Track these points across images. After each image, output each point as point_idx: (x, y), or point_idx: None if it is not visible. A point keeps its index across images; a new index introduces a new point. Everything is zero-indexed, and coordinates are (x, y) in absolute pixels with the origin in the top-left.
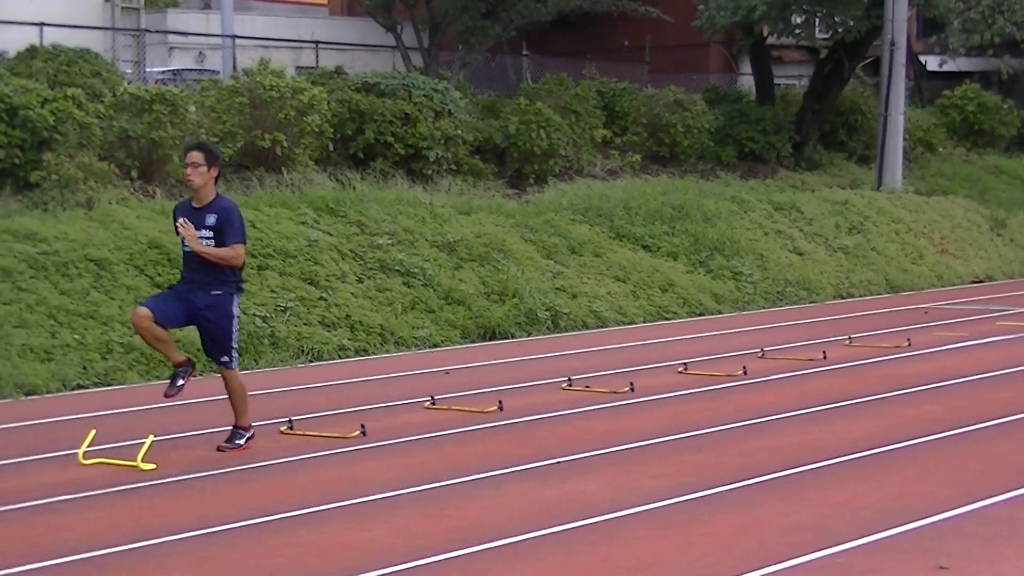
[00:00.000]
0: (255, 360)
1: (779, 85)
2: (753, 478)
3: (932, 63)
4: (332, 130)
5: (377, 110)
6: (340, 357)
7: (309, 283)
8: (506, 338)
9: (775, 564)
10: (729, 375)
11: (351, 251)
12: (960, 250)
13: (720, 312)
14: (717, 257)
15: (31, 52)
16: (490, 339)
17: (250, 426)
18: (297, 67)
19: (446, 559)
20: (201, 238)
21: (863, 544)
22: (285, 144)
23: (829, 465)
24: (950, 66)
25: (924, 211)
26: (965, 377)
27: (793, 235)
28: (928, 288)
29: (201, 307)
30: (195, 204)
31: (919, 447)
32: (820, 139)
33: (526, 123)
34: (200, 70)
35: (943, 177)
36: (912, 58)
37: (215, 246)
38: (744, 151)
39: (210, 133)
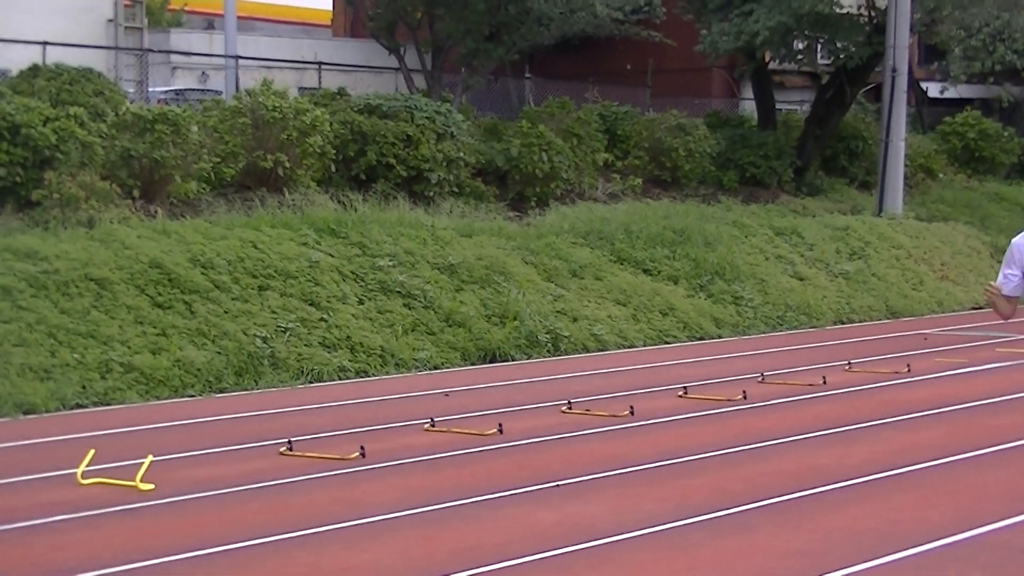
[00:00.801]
0: (255, 381)
1: (781, 110)
2: (753, 503)
3: (933, 90)
4: (334, 151)
5: (379, 132)
6: (340, 378)
7: (310, 304)
8: (506, 360)
9: None
10: (729, 399)
11: (352, 272)
12: (960, 276)
13: (720, 336)
14: (718, 281)
15: (34, 71)
16: (490, 361)
17: None
18: (300, 88)
19: None
20: None
21: (862, 570)
22: (287, 165)
23: (829, 490)
24: (951, 93)
25: (925, 237)
26: (964, 403)
27: (794, 260)
28: (928, 314)
29: None
30: None
31: (918, 473)
32: (821, 164)
33: (528, 146)
34: (203, 90)
35: (944, 203)
36: (913, 84)
37: None
38: (745, 176)
39: (212, 153)
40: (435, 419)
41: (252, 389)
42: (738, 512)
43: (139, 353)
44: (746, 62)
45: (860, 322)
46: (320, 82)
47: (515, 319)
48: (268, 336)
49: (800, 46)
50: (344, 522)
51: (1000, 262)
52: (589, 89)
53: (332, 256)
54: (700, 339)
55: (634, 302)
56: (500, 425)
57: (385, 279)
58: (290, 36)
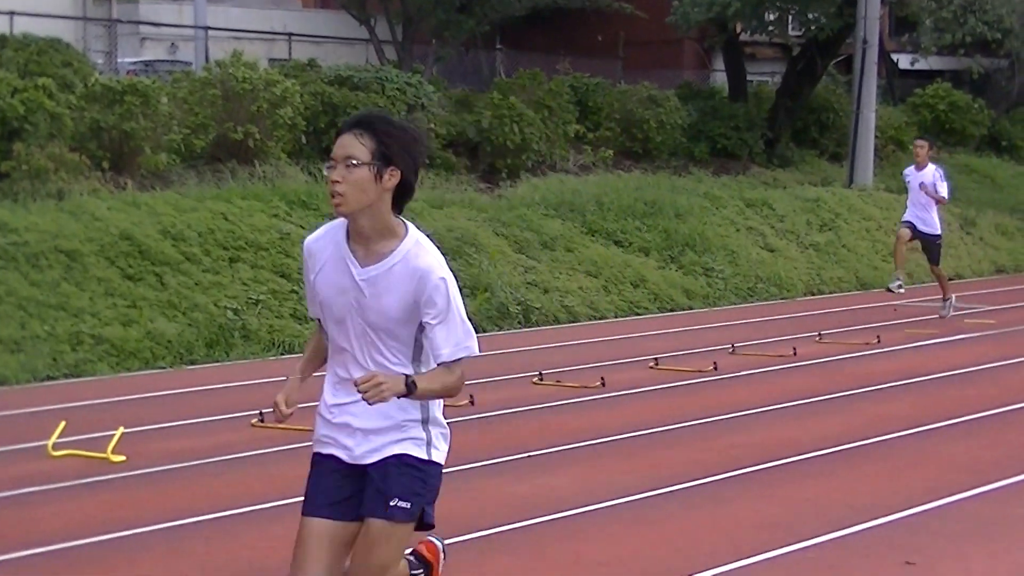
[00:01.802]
0: (226, 353)
1: (752, 82)
2: (723, 474)
3: (904, 61)
4: (305, 123)
5: (350, 103)
6: None
7: (281, 276)
8: (477, 332)
9: (745, 559)
10: (700, 371)
11: None
12: None
13: (691, 308)
14: (689, 253)
15: (1, 41)
16: None
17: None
18: (270, 59)
19: None
20: None
21: (832, 540)
22: (258, 137)
23: (799, 461)
24: (922, 65)
25: (895, 209)
26: (934, 374)
27: (765, 232)
28: None
29: None
30: None
31: (888, 444)
32: (792, 136)
33: (499, 118)
34: (172, 61)
35: None
36: (884, 56)
37: None
38: (717, 148)
39: (182, 125)
40: None
41: (223, 361)
42: (709, 483)
43: (110, 325)
44: (717, 34)
45: (830, 294)
46: (290, 53)
47: (486, 291)
48: (239, 308)
49: (771, 17)
50: None
51: (969, 234)
52: (560, 61)
53: (303, 228)
54: (671, 311)
55: (605, 274)
56: (472, 397)
57: None
58: (260, 7)
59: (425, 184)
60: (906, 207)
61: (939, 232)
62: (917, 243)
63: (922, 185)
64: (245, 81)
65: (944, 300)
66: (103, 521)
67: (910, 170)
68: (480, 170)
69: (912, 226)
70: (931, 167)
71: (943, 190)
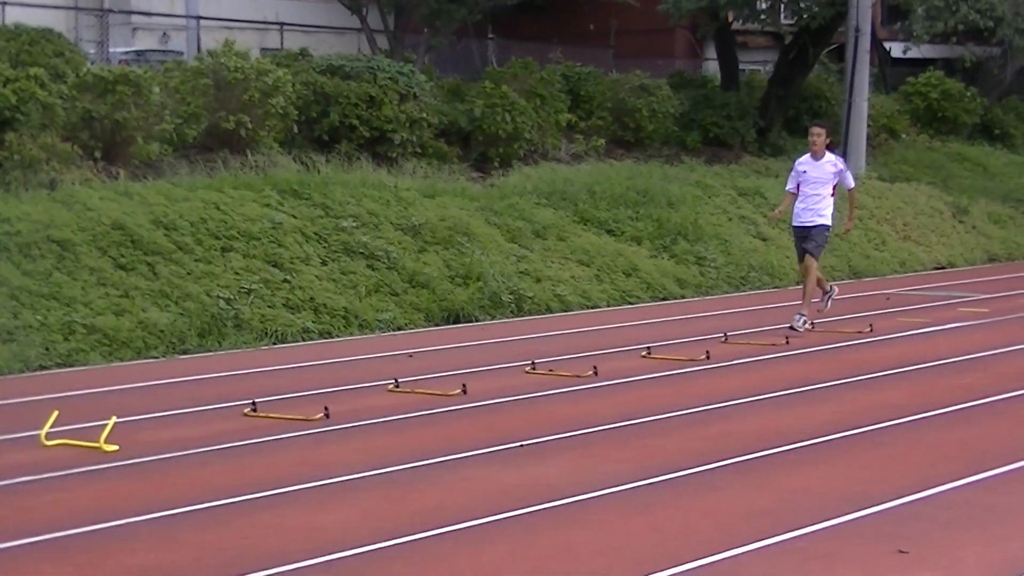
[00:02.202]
0: (218, 342)
1: (744, 71)
2: (716, 462)
3: (896, 50)
4: (297, 112)
5: (342, 93)
6: (304, 340)
7: (273, 265)
8: (470, 321)
9: (737, 548)
10: (692, 360)
11: (315, 234)
12: (923, 236)
13: (684, 297)
14: (681, 242)
15: None
16: (454, 322)
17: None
18: (262, 49)
19: (409, 542)
20: None
21: (824, 528)
22: (249, 126)
23: (791, 450)
24: (914, 53)
25: (887, 197)
26: (927, 363)
27: (757, 220)
28: (890, 274)
29: None
30: None
31: (881, 432)
32: (784, 125)
33: (491, 107)
34: (164, 51)
35: (906, 164)
36: (876, 45)
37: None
38: (708, 136)
39: (174, 114)
40: (399, 380)
41: (215, 351)
42: (702, 472)
43: (102, 315)
44: (709, 22)
45: None
46: (282, 43)
47: (478, 280)
48: (231, 297)
49: (763, 6)
50: (308, 483)
51: (962, 222)
52: (552, 50)
53: (295, 217)
54: (663, 300)
55: (597, 263)
56: (464, 386)
57: (348, 240)
58: None
59: (417, 173)
60: (796, 203)
61: (829, 223)
62: (911, 232)
63: (802, 175)
64: (237, 71)
65: (824, 293)
66: (96, 510)
67: (805, 160)
68: (472, 159)
69: (805, 232)
70: (829, 156)
71: (850, 180)
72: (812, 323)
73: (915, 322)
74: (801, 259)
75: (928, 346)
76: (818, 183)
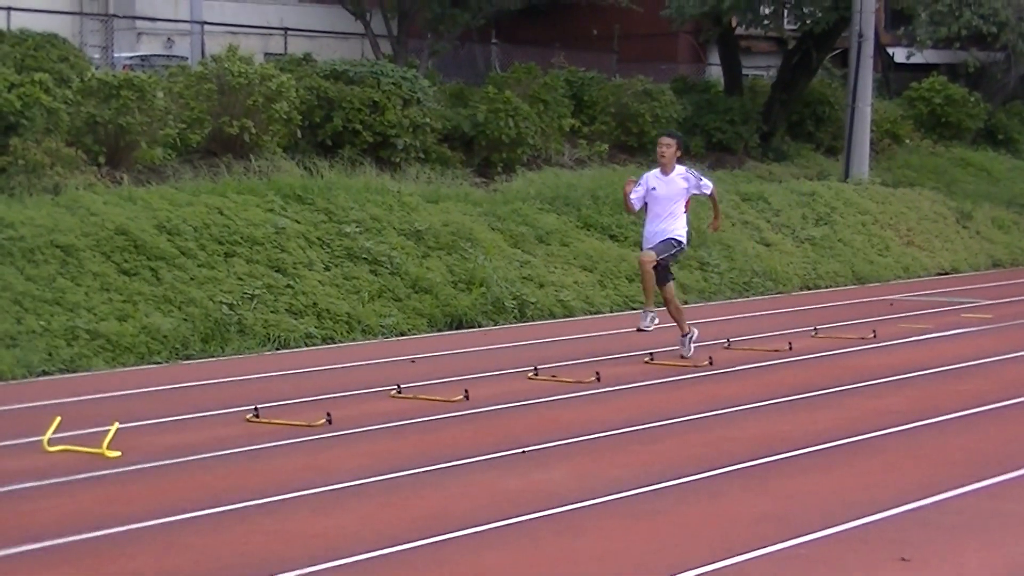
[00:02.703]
0: (221, 347)
1: (747, 75)
2: (718, 468)
3: (900, 55)
4: (300, 117)
5: (345, 98)
6: (307, 345)
7: (276, 271)
8: (473, 327)
9: (740, 554)
10: (695, 365)
11: (318, 239)
12: (926, 242)
13: (686, 302)
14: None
15: None
16: (457, 328)
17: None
18: (266, 54)
19: (411, 548)
20: None
21: (827, 535)
22: (253, 131)
23: (794, 456)
24: (917, 58)
25: (891, 203)
26: (930, 369)
27: (760, 226)
28: (894, 280)
29: None
30: None
31: (883, 438)
32: (788, 130)
33: (494, 112)
34: (168, 56)
35: (910, 169)
36: (880, 50)
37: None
38: (712, 141)
39: (178, 119)
40: (401, 386)
41: (218, 356)
42: (704, 478)
43: (105, 320)
44: (712, 27)
45: (826, 288)
46: (286, 48)
47: (481, 285)
48: (234, 303)
49: (767, 11)
50: (310, 489)
51: (965, 227)
52: (555, 55)
53: (298, 222)
54: None
55: (600, 268)
56: (466, 391)
57: (351, 245)
58: (256, 1)
59: (420, 178)
60: (645, 224)
61: (683, 237)
62: (915, 237)
63: (651, 192)
64: (241, 75)
65: (683, 335)
66: (98, 516)
67: (655, 173)
68: (475, 164)
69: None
70: (680, 169)
71: (709, 185)
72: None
73: (918, 328)
74: (659, 284)
75: (931, 352)
76: (668, 200)
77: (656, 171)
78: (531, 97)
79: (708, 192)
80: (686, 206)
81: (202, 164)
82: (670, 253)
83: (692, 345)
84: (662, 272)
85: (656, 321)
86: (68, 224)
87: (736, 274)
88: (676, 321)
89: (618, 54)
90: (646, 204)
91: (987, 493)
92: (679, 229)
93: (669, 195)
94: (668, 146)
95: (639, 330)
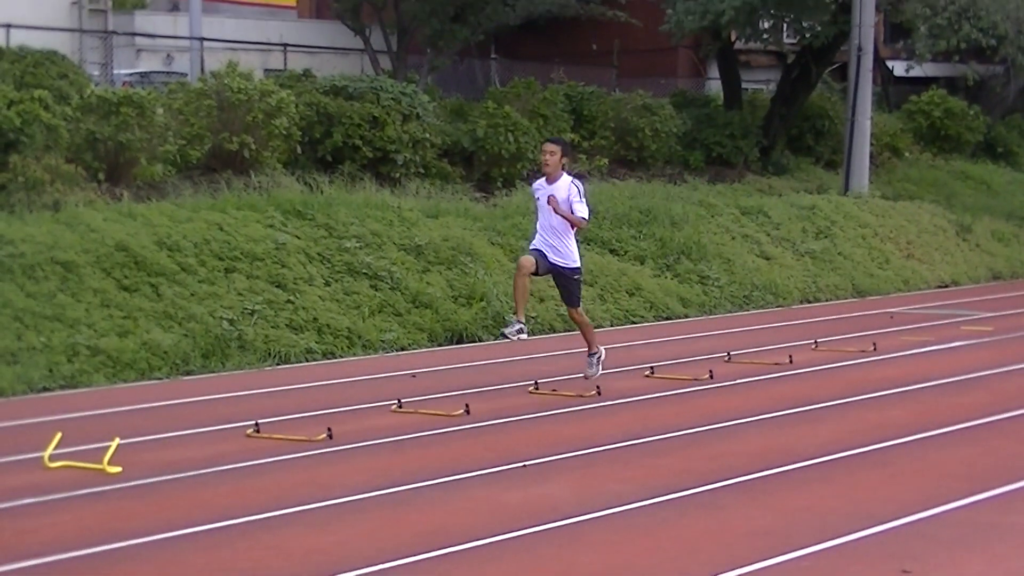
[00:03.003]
0: (222, 363)
1: (747, 90)
2: (719, 482)
3: (899, 68)
4: (300, 133)
5: (345, 113)
6: (307, 360)
7: (276, 286)
8: (473, 341)
9: (741, 568)
10: (695, 379)
11: (319, 254)
12: (926, 255)
13: (687, 316)
14: (684, 261)
15: None
16: (457, 342)
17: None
18: (265, 69)
19: (412, 562)
20: None
21: (828, 548)
22: (253, 147)
23: (795, 469)
24: (917, 71)
25: (890, 216)
26: (930, 382)
27: (760, 239)
28: (894, 293)
29: None
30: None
31: (884, 451)
32: (787, 144)
33: (494, 127)
34: (168, 72)
35: (909, 182)
36: (879, 63)
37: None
38: (712, 155)
39: (177, 136)
40: (402, 400)
41: (219, 371)
42: (704, 491)
43: (106, 336)
44: (712, 41)
45: (826, 301)
46: (285, 64)
47: (482, 300)
48: (235, 318)
49: (766, 25)
50: (311, 504)
51: (965, 240)
52: (555, 69)
53: (298, 238)
54: (666, 319)
55: (600, 282)
56: (467, 406)
57: (352, 261)
58: (255, 18)
59: (420, 193)
60: (535, 232)
61: (577, 264)
62: (915, 250)
63: (551, 199)
64: (240, 91)
65: (590, 354)
66: (99, 532)
67: (539, 183)
68: (475, 179)
69: (542, 256)
70: (566, 179)
71: (582, 210)
72: (594, 370)
73: (918, 341)
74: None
75: (931, 365)
76: (552, 213)
77: (542, 179)
78: (531, 112)
79: (580, 216)
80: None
81: (202, 180)
82: (576, 289)
83: (599, 367)
84: (570, 296)
85: (523, 336)
86: (68, 241)
87: (736, 288)
88: (586, 339)
89: (617, 69)
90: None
91: (988, 505)
92: (566, 249)
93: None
94: (551, 153)
95: (502, 335)
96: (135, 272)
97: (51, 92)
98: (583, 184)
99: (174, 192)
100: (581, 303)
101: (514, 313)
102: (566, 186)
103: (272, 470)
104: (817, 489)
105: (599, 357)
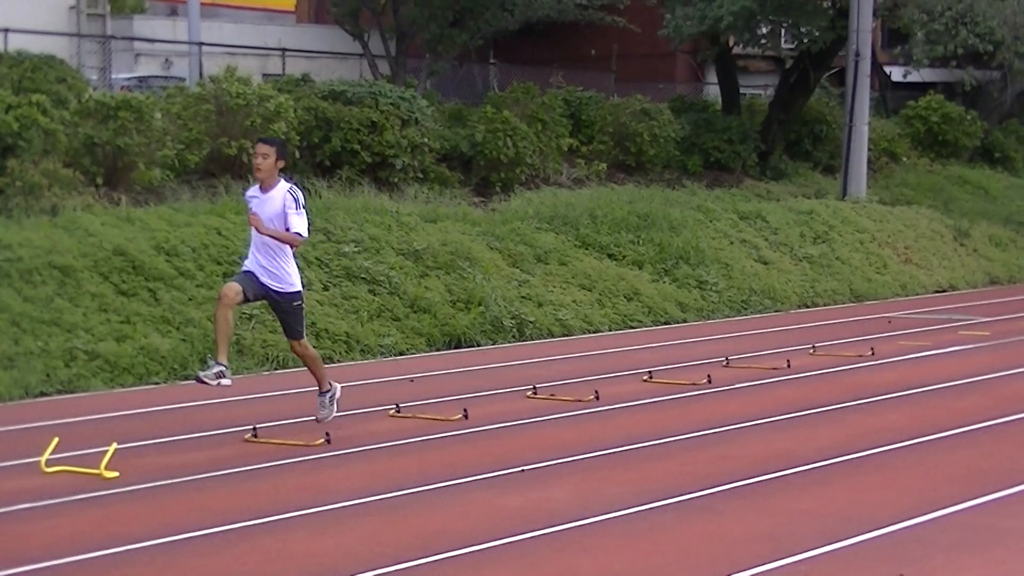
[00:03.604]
0: None
1: (745, 95)
2: (718, 486)
3: (896, 74)
4: (299, 138)
5: (344, 118)
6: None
7: None
8: (471, 346)
9: (739, 572)
10: (694, 383)
11: (317, 259)
12: (924, 260)
13: (685, 321)
14: (682, 266)
15: None
16: (456, 347)
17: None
18: (264, 74)
19: (411, 567)
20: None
21: (826, 552)
22: (251, 151)
23: (793, 473)
24: (914, 77)
25: (888, 221)
26: (928, 386)
27: (758, 244)
28: (892, 297)
29: None
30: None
31: (882, 455)
32: (785, 149)
33: (492, 131)
34: (166, 77)
35: (907, 187)
36: (877, 68)
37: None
38: (710, 160)
39: (176, 140)
40: (400, 405)
41: None
42: (703, 496)
43: (103, 340)
44: (710, 47)
45: (824, 306)
46: (284, 68)
47: (480, 304)
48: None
49: (764, 30)
50: (310, 508)
51: (963, 245)
52: (553, 74)
53: None
54: (665, 323)
55: (599, 287)
56: (465, 410)
57: (350, 265)
58: (254, 22)
59: (419, 198)
60: (249, 249)
61: (297, 288)
62: (912, 255)
63: (253, 217)
64: (239, 96)
65: (321, 393)
66: (96, 537)
67: (253, 191)
68: (474, 184)
69: (253, 278)
70: (283, 186)
71: (299, 224)
72: (327, 412)
73: (916, 345)
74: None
75: (929, 369)
76: (267, 223)
77: (256, 187)
78: (529, 117)
79: (294, 230)
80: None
81: (200, 185)
82: (297, 318)
83: (334, 405)
84: (290, 328)
85: (225, 382)
86: (66, 245)
87: (734, 292)
88: (315, 376)
89: (616, 74)
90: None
91: (986, 509)
92: (288, 276)
93: (268, 216)
94: (264, 155)
95: (199, 380)
96: (133, 277)
97: (49, 97)
98: (302, 193)
99: (172, 197)
100: (305, 334)
101: (213, 355)
102: (282, 195)
103: (270, 474)
104: (816, 493)
105: (332, 395)
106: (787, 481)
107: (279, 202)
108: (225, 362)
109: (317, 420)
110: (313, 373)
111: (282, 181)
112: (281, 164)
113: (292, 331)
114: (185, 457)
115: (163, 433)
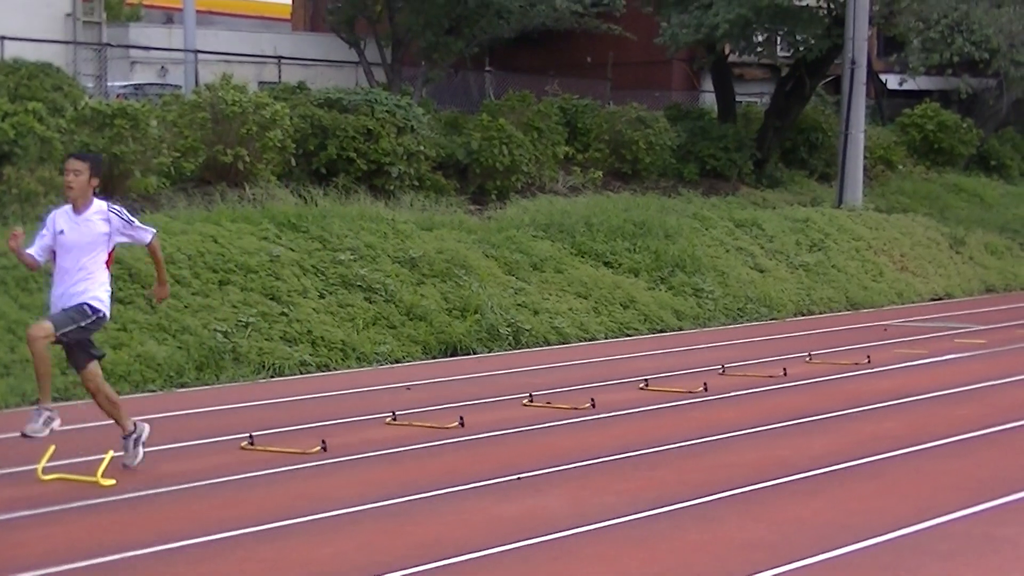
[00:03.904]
0: (216, 376)
1: (741, 103)
2: (714, 494)
3: (892, 82)
4: (294, 145)
5: (340, 126)
6: (301, 372)
7: (271, 298)
8: (468, 354)
9: None
10: (690, 391)
11: (313, 267)
12: (920, 268)
13: (681, 329)
14: (678, 274)
15: None
16: (452, 355)
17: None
18: (260, 82)
19: (407, 574)
20: None
21: (823, 560)
22: (247, 159)
23: (789, 481)
24: (910, 85)
25: (884, 229)
26: (924, 394)
27: (754, 252)
28: (888, 305)
29: None
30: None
31: (878, 463)
32: (781, 156)
33: (488, 139)
34: (162, 84)
35: (903, 195)
36: (872, 76)
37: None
38: (706, 168)
39: (172, 148)
40: (396, 413)
41: (213, 384)
42: (699, 504)
43: None
44: (706, 55)
45: (820, 314)
46: (280, 76)
47: (476, 312)
48: (229, 331)
49: (760, 38)
50: (306, 516)
51: (959, 253)
52: (549, 82)
53: (293, 250)
54: (661, 331)
55: (595, 295)
56: (461, 418)
57: (346, 273)
58: (249, 30)
59: (415, 206)
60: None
61: (101, 307)
62: (908, 263)
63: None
64: (235, 104)
65: (125, 436)
66: (92, 545)
67: (63, 212)
68: (469, 192)
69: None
70: (99, 206)
71: (143, 231)
72: (133, 459)
73: (912, 353)
74: (77, 367)
75: (925, 377)
76: (79, 251)
77: (66, 208)
78: (525, 125)
79: (147, 241)
80: (109, 259)
81: (196, 192)
82: (78, 326)
83: (141, 449)
84: (78, 352)
85: (54, 424)
86: None
87: (730, 300)
88: (112, 417)
89: (612, 81)
90: (55, 256)
91: (983, 518)
92: (95, 291)
93: (81, 243)
94: (77, 172)
95: (24, 436)
96: (129, 284)
97: (45, 104)
98: (122, 209)
99: (168, 204)
100: (92, 364)
101: (36, 401)
102: (102, 217)
103: (266, 483)
104: (811, 501)
105: (137, 437)
106: (783, 489)
107: (99, 225)
108: (50, 406)
109: (124, 466)
110: (112, 413)
111: (95, 201)
112: (95, 182)
113: (76, 362)
114: (181, 465)
115: (159, 441)
